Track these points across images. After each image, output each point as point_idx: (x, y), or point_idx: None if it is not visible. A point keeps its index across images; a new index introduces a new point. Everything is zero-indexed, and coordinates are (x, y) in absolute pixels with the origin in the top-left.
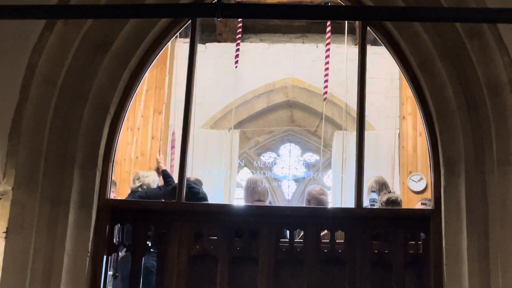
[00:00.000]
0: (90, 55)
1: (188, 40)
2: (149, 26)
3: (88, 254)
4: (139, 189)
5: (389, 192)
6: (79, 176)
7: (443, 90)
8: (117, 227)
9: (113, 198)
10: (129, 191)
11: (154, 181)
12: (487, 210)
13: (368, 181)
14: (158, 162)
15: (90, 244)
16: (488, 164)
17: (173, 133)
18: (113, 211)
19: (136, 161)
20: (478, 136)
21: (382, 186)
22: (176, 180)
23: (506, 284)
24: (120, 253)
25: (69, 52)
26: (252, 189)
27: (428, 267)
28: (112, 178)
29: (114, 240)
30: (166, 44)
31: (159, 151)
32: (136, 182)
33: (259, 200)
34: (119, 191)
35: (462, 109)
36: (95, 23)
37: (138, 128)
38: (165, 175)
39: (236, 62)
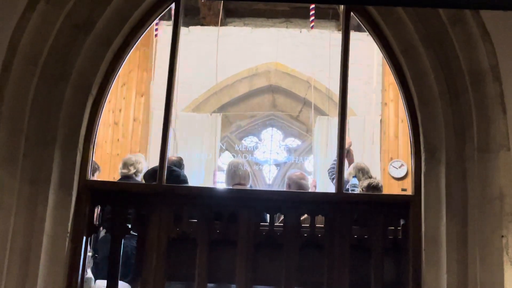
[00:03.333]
0: (73, 35)
1: (171, 22)
2: (132, 7)
3: (68, 234)
4: (134, 175)
5: (370, 177)
6: (60, 157)
7: (426, 77)
8: (97, 208)
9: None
10: (119, 176)
11: (144, 167)
12: (467, 196)
13: (349, 166)
14: None
15: (69, 224)
16: (468, 151)
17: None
18: (93, 192)
19: (118, 143)
20: (459, 123)
21: (362, 172)
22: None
23: (484, 270)
24: (100, 234)
25: (51, 32)
26: (233, 172)
27: (407, 253)
28: (94, 160)
29: (94, 221)
30: (150, 25)
31: None
32: (131, 168)
33: (240, 184)
34: (101, 174)
35: (444, 96)
36: (78, 2)
37: (120, 110)
38: None
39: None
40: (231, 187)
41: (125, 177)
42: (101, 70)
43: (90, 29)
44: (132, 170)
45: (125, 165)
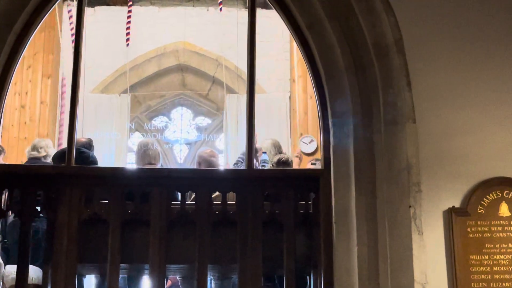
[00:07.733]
0: None
1: (76, 3)
2: None
3: None
4: (43, 159)
5: (281, 153)
6: None
7: (332, 52)
8: (5, 192)
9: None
10: (26, 159)
11: (53, 152)
12: (375, 169)
13: (264, 143)
14: None
15: None
16: (375, 124)
17: (63, 98)
18: (1, 176)
19: (25, 126)
20: (366, 97)
21: (278, 148)
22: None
23: (393, 240)
24: (8, 219)
25: None
26: (143, 152)
27: (318, 226)
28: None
29: (2, 205)
30: (53, 5)
31: None
32: (42, 151)
33: (150, 163)
34: (8, 158)
35: (350, 70)
36: None
37: (26, 93)
38: None
39: (127, 40)
40: (141, 167)
41: (33, 159)
42: (4, 51)
43: None
44: (43, 153)
45: (35, 147)
